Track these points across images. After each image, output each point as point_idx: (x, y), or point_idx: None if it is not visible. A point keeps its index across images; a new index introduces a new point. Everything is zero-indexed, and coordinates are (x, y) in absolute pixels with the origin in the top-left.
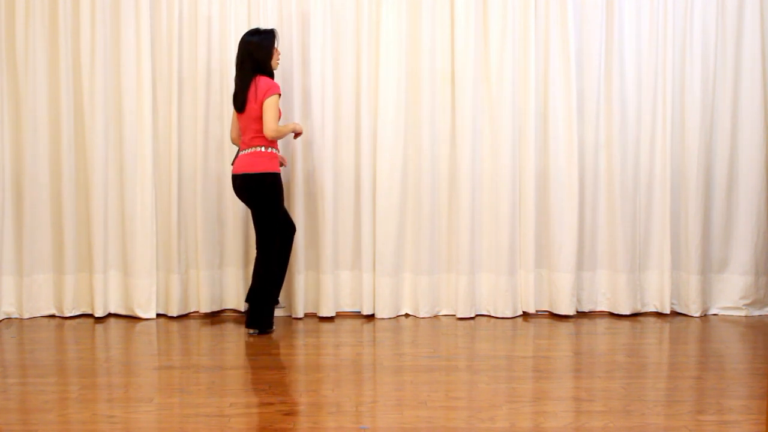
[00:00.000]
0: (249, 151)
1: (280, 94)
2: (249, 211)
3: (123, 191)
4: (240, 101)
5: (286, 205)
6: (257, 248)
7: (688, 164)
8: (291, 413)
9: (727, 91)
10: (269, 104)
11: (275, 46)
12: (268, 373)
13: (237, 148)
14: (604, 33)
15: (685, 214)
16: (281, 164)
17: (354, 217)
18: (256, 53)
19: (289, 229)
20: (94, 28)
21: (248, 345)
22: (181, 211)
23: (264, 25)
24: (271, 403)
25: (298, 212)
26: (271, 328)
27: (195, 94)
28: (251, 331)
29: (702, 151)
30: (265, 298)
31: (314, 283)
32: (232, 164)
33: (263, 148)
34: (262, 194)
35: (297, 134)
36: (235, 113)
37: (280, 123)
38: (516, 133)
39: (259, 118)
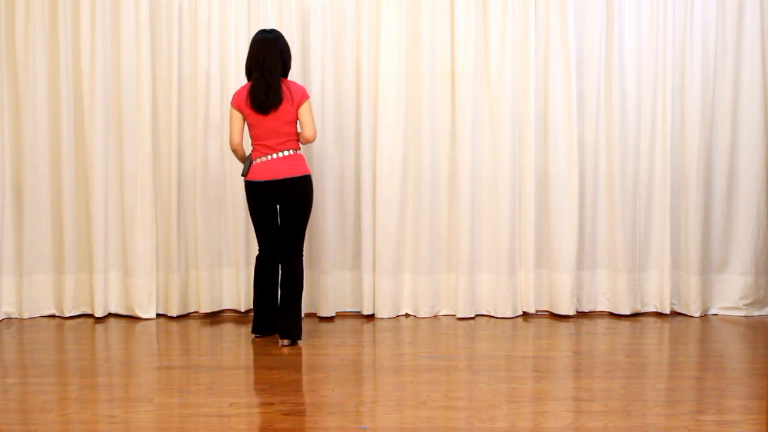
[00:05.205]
0: (285, 154)
1: None
2: (248, 212)
3: (123, 191)
4: (271, 103)
5: None
6: (295, 254)
7: (688, 164)
8: (291, 413)
9: (727, 91)
10: (309, 108)
11: None
12: (268, 373)
13: (244, 155)
14: (604, 33)
15: (685, 214)
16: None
17: (354, 217)
18: (285, 53)
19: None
20: (94, 28)
21: (248, 345)
22: (181, 211)
23: (263, 23)
24: (271, 403)
25: None
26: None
27: (195, 93)
28: (286, 342)
29: (702, 151)
30: (299, 304)
31: (314, 283)
32: (246, 172)
33: (299, 151)
34: (309, 195)
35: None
36: (246, 117)
37: None
38: (516, 133)
39: (294, 122)
